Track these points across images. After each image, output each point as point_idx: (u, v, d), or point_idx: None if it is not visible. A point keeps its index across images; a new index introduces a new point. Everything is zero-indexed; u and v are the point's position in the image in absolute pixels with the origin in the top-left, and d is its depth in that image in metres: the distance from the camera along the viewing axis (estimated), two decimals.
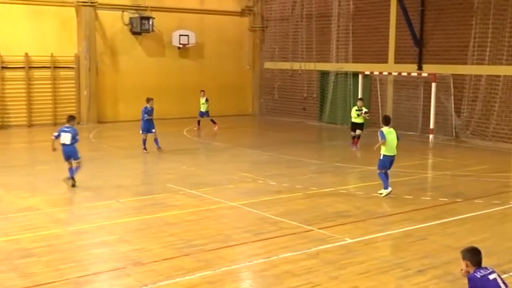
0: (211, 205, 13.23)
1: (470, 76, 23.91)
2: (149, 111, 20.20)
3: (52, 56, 27.28)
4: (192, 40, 30.71)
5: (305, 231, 11.37)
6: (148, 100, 20.43)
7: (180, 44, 30.48)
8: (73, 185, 14.74)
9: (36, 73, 27.21)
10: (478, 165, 18.61)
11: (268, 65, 33.13)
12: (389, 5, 26.72)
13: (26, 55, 26.68)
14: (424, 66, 25.43)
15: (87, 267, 9.35)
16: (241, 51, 33.35)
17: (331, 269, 9.25)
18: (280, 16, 32.26)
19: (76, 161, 15.03)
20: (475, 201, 13.93)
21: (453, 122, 24.41)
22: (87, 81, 28.06)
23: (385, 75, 26.47)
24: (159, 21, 29.67)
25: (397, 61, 26.61)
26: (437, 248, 10.43)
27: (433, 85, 23.88)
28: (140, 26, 28.97)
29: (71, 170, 14.91)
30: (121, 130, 26.31)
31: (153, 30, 29.49)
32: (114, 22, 29.01)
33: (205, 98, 26.68)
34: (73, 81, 28.17)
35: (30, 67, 26.95)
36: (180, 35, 30.36)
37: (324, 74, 29.96)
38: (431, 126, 24.07)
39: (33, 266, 9.26)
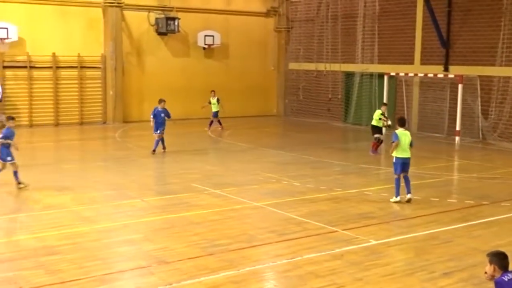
0: (235, 205, 13.24)
1: (498, 77, 23.60)
2: (156, 113, 19.94)
3: (79, 56, 27.56)
4: (217, 41, 30.80)
5: (329, 232, 11.32)
6: (160, 101, 20.29)
7: (205, 44, 30.59)
8: (21, 188, 14.44)
9: (63, 73, 27.53)
10: (505, 168, 18.37)
11: (293, 66, 33.08)
12: (415, 6, 26.51)
13: (54, 55, 27.00)
14: (451, 68, 25.18)
15: (112, 265, 9.43)
16: (266, 52, 33.36)
17: (355, 271, 9.20)
18: (305, 17, 32.20)
19: (9, 163, 14.56)
20: (502, 204, 13.75)
21: (480, 124, 24.12)
22: (113, 81, 28.29)
23: (411, 76, 26.25)
24: (185, 21, 29.81)
25: (423, 62, 26.39)
26: (463, 250, 10.31)
27: (460, 86, 23.62)
28: (166, 27, 29.13)
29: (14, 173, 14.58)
30: (146, 129, 26.34)
31: (178, 31, 29.64)
32: (140, 22, 29.22)
33: (216, 98, 26.63)
34: (99, 81, 28.43)
35: (58, 67, 27.27)
36: (206, 35, 30.48)
37: (349, 75, 29.83)
38: (458, 128, 23.81)
39: (59, 263, 9.35)
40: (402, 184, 13.73)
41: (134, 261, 9.60)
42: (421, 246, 10.58)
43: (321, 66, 31.12)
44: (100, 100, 28.57)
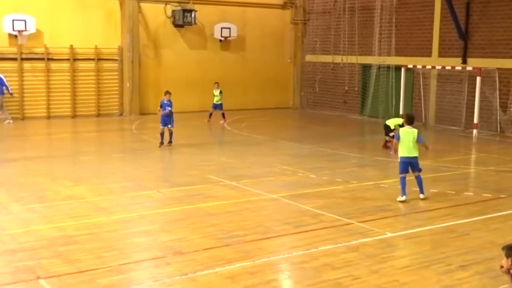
0: (251, 197, 13.27)
1: None
2: (163, 105, 19.68)
3: (96, 48, 27.70)
4: (234, 33, 30.78)
5: (345, 224, 11.31)
6: (165, 93, 19.89)
7: (221, 37, 30.59)
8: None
9: (81, 65, 27.68)
10: None
11: (309, 58, 32.99)
12: None
13: (71, 47, 27.15)
14: (469, 60, 24.97)
15: (129, 255, 9.49)
16: (283, 44, 33.28)
17: (371, 263, 9.19)
18: (322, 9, 32.06)
19: None
20: None
21: (498, 117, 23.93)
22: (130, 73, 28.41)
23: (429, 69, 26.08)
24: (201, 14, 29.80)
25: (441, 54, 26.20)
26: (480, 244, 10.26)
27: (478, 79, 23.42)
28: (183, 19, 29.14)
29: None
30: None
31: (195, 23, 29.65)
32: (157, 14, 29.27)
33: (219, 90, 26.29)
34: (116, 73, 28.56)
35: (75, 59, 27.42)
36: (222, 28, 30.48)
37: (366, 68, 29.69)
38: (475, 121, 23.64)
39: (76, 253, 9.44)
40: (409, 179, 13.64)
41: (150, 251, 9.67)
42: (438, 239, 10.53)
43: (338, 59, 31.00)
44: (117, 92, 28.71)
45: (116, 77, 28.60)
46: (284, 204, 12.76)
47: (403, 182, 13.14)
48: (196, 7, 29.61)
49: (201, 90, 29.62)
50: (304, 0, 33.02)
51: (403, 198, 13.09)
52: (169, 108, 19.59)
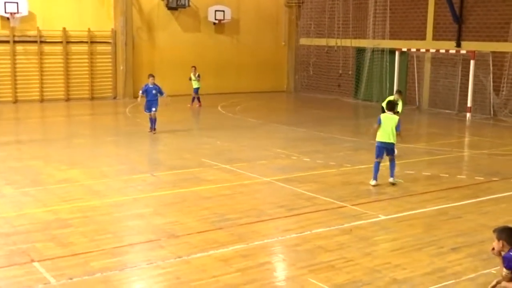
0: (245, 180, 13.29)
1: (511, 53, 23.39)
2: (148, 90, 18.94)
3: (89, 31, 27.53)
4: (228, 16, 30.64)
5: (339, 207, 11.36)
6: (149, 76, 19.33)
7: (215, 19, 30.44)
8: None
9: (74, 48, 27.52)
10: None
11: (303, 41, 32.89)
12: None
13: (64, 29, 26.98)
14: (463, 43, 24.96)
15: (122, 238, 9.53)
16: (277, 27, 33.16)
17: (364, 245, 9.25)
18: None
19: None
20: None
21: (491, 101, 23.98)
22: (123, 56, 28.28)
23: (423, 52, 26.06)
24: None
25: (435, 38, 26.17)
26: (472, 226, 10.33)
27: (472, 62, 23.43)
28: (176, 2, 28.97)
29: None
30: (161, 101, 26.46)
31: (189, 6, 29.49)
32: None
33: (197, 74, 25.74)
34: (109, 56, 28.42)
35: (68, 42, 27.26)
36: (216, 10, 30.32)
37: (360, 51, 29.64)
38: (469, 104, 23.69)
39: (70, 236, 9.46)
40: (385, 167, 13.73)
41: (144, 234, 9.70)
42: (430, 222, 10.60)
43: (332, 42, 30.94)
44: (111, 75, 28.60)
45: (110, 60, 28.47)
46: (278, 187, 12.79)
47: (376, 166, 13.12)
48: None
49: None
50: None
51: (374, 182, 13.07)
52: (154, 92, 18.91)
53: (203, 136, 19.06)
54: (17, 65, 26.38)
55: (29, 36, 26.41)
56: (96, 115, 25.00)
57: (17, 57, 26.36)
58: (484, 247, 9.12)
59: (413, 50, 26.18)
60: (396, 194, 12.43)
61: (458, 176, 14.11)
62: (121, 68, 28.34)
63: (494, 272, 8.00)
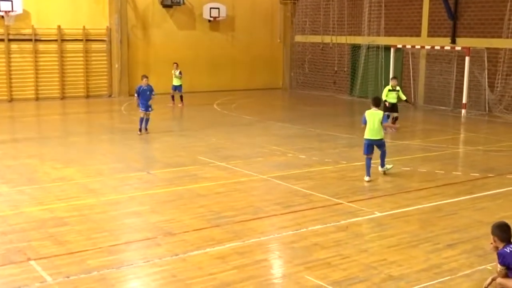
0: (241, 178, 13.31)
1: (505, 49, 23.45)
2: (142, 91, 18.63)
3: (84, 29, 27.48)
4: (223, 13, 30.61)
5: (335, 204, 11.39)
6: (143, 77, 19.03)
7: (211, 17, 30.41)
8: None
9: (69, 46, 27.46)
10: (511, 141, 18.33)
11: (299, 38, 32.89)
12: None
13: (59, 28, 26.92)
14: (458, 40, 25.00)
15: (119, 236, 9.53)
16: (272, 25, 33.14)
17: (360, 242, 9.28)
18: None
19: None
20: (507, 176, 13.77)
21: (487, 97, 24.04)
22: (118, 54, 28.24)
23: (418, 48, 26.10)
24: None
25: (430, 34, 26.21)
26: (467, 223, 10.36)
27: (467, 59, 23.48)
28: None
29: None
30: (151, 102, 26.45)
31: (184, 3, 29.45)
32: None
33: (178, 71, 25.19)
34: (104, 54, 28.37)
35: (63, 40, 27.21)
36: (211, 8, 30.28)
37: (355, 48, 29.66)
38: (464, 100, 23.74)
39: (66, 234, 9.46)
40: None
41: (140, 232, 9.71)
42: (426, 218, 10.63)
43: (327, 39, 30.95)
44: (106, 73, 28.55)
45: (105, 58, 28.42)
46: (274, 185, 12.81)
47: (368, 163, 13.21)
48: None
49: (190, 71, 29.50)
50: None
51: (368, 178, 13.14)
52: (149, 93, 18.70)
53: (199, 133, 19.05)
54: (12, 64, 26.31)
55: (24, 35, 26.34)
56: (92, 113, 24.96)
57: (12, 55, 26.30)
58: (479, 243, 9.17)
59: (408, 46, 26.21)
60: (392, 191, 12.46)
61: (454, 173, 14.15)
62: (116, 66, 28.30)
63: (490, 268, 8.04)
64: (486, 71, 23.97)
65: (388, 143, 17.67)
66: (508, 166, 14.78)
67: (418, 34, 26.65)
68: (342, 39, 30.12)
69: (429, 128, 21.18)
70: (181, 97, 25.17)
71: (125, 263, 8.39)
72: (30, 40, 26.39)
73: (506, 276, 7.11)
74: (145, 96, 18.75)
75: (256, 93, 30.56)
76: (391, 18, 27.91)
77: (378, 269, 8.23)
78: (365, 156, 13.32)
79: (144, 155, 16.00)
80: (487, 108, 24.01)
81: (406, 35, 27.07)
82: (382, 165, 13.60)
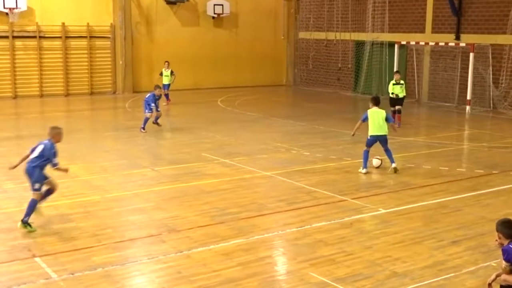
0: (246, 175, 13.31)
1: (509, 46, 23.39)
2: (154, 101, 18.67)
3: (88, 26, 27.50)
4: (227, 10, 30.59)
5: (339, 201, 11.39)
6: (155, 88, 19.12)
7: (214, 13, 30.39)
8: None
9: (73, 43, 27.50)
10: None
11: (302, 35, 32.85)
12: None
13: (63, 24, 26.94)
14: (462, 36, 24.94)
15: (124, 233, 9.55)
16: (276, 21, 33.11)
17: (364, 239, 9.28)
18: None
19: None
20: (511, 173, 13.78)
21: (491, 93, 23.99)
22: (122, 50, 28.26)
23: (422, 45, 26.04)
24: None
25: (435, 30, 26.15)
26: (472, 219, 10.36)
27: (471, 55, 23.42)
28: None
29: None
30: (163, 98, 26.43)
31: (187, 0, 29.44)
32: None
33: (169, 70, 25.03)
34: (108, 51, 28.40)
35: (67, 37, 27.23)
36: (215, 4, 30.27)
37: (359, 44, 29.61)
38: (468, 97, 23.69)
39: (71, 231, 9.49)
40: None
41: (145, 229, 9.73)
42: (430, 215, 10.63)
43: (331, 35, 30.90)
44: (110, 70, 28.57)
45: (109, 55, 28.44)
46: (278, 182, 12.81)
47: (366, 155, 13.54)
48: None
49: (194, 68, 29.57)
50: None
51: (364, 170, 13.43)
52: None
53: (203, 130, 19.06)
54: (17, 61, 26.35)
55: (28, 31, 26.37)
56: (96, 110, 24.99)
57: (16, 52, 26.34)
58: (484, 240, 9.16)
59: (412, 43, 26.16)
60: (396, 188, 12.45)
61: (458, 169, 14.13)
62: (120, 63, 28.32)
63: (494, 265, 8.04)
64: (490, 68, 23.92)
65: (392, 139, 17.66)
66: None
67: (422, 31, 26.60)
68: (346, 36, 30.07)
69: (433, 125, 21.15)
70: (166, 95, 24.97)
71: (130, 260, 8.41)
72: (35, 37, 26.42)
73: (510, 272, 7.09)
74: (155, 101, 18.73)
75: (260, 90, 30.54)
76: (395, 15, 27.85)
77: (382, 265, 8.23)
78: (364, 149, 13.63)
79: (149, 152, 16.02)
80: (491, 105, 23.96)
81: (410, 32, 27.02)
82: (393, 160, 13.69)
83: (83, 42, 27.65)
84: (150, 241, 9.20)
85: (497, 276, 7.29)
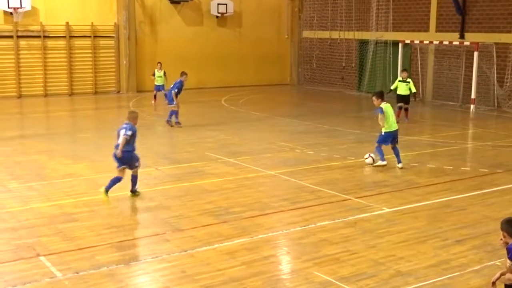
0: (249, 174, 13.31)
1: None
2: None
3: (92, 25, 27.53)
4: (231, 9, 30.59)
5: (343, 200, 11.38)
6: (182, 74, 19.64)
7: (218, 13, 30.39)
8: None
9: (77, 42, 27.53)
10: None
11: (306, 34, 32.83)
12: None
13: (67, 24, 26.98)
14: (466, 35, 24.88)
15: (128, 232, 9.58)
16: (280, 20, 33.09)
17: (368, 238, 9.27)
18: None
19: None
20: None
21: (495, 92, 23.93)
22: (126, 50, 28.29)
23: (426, 44, 26.00)
24: None
25: (439, 29, 26.09)
26: (476, 218, 10.34)
27: (476, 54, 23.36)
28: None
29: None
30: (159, 99, 26.50)
31: None
32: None
33: (162, 71, 24.87)
34: (112, 50, 28.43)
35: (71, 37, 27.27)
36: (219, 3, 30.26)
37: (363, 43, 29.57)
38: (473, 96, 23.63)
39: (76, 230, 9.51)
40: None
41: (149, 228, 9.74)
42: (434, 214, 10.61)
43: (335, 34, 30.87)
44: (114, 70, 28.61)
45: (113, 54, 28.48)
46: (282, 181, 12.81)
47: (381, 150, 13.84)
48: None
49: (198, 67, 29.53)
50: None
51: (384, 162, 13.85)
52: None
53: (207, 129, 19.07)
54: (21, 60, 26.40)
55: (32, 31, 26.42)
56: (100, 109, 25.03)
57: (21, 52, 26.39)
58: (488, 239, 9.15)
59: (417, 42, 26.10)
60: (401, 187, 12.44)
61: (462, 168, 14.10)
62: (124, 62, 28.35)
63: (499, 264, 8.02)
64: (495, 66, 23.86)
65: None
66: None
67: (426, 29, 26.55)
68: (350, 35, 30.04)
69: (437, 124, 21.11)
70: (155, 95, 24.87)
71: (134, 259, 8.42)
72: (39, 36, 26.47)
73: None
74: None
75: (264, 89, 30.53)
76: (399, 13, 27.80)
77: (386, 265, 8.23)
78: (377, 146, 13.89)
79: (153, 151, 16.02)
80: (496, 104, 23.91)
81: (414, 30, 26.97)
82: (400, 161, 13.84)
83: (87, 42, 27.68)
84: (154, 240, 9.21)
85: (502, 274, 7.28)
